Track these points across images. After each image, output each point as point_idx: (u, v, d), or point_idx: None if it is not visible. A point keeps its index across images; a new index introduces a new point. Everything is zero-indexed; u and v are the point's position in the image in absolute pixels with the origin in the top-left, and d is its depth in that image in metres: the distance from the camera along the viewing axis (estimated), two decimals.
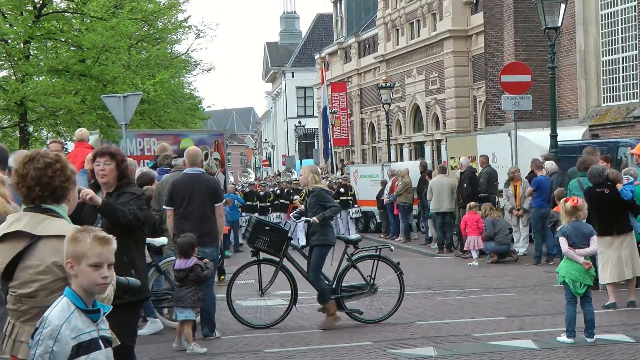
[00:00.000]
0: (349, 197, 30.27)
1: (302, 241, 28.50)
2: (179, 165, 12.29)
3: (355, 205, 30.47)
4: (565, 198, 10.52)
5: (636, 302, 12.40)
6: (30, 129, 24.40)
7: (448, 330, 11.08)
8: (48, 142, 14.66)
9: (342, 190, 30.07)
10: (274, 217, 28.86)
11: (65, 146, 21.73)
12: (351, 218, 30.39)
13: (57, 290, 4.29)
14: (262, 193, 31.15)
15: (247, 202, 29.81)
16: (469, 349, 9.83)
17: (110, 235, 4.05)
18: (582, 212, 10.29)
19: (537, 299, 13.82)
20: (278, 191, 30.65)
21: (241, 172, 37.91)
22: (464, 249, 20.42)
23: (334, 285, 12.12)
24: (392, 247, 12.94)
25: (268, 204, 30.14)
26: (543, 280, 15.97)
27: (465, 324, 11.58)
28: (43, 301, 4.29)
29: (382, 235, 28.98)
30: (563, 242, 10.06)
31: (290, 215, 14.49)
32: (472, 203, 20.33)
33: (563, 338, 9.94)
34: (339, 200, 29.67)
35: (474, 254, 19.74)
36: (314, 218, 11.75)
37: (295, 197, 28.36)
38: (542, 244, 19.03)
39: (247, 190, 31.55)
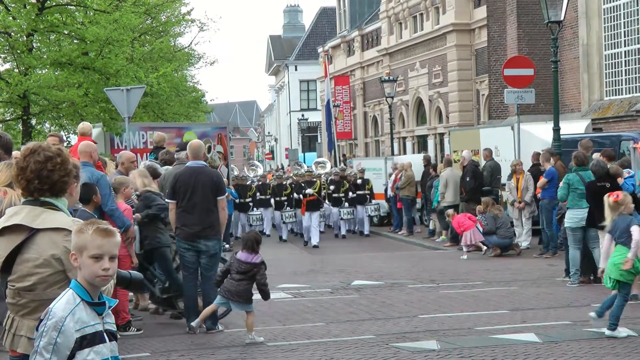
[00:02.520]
0: (366, 192, 28.65)
1: (285, 235, 27.94)
2: (181, 158, 12.30)
3: (373, 201, 28.81)
4: (608, 193, 10.41)
5: (637, 295, 12.39)
6: (33, 121, 24.41)
7: (451, 324, 11.09)
8: (48, 136, 14.68)
9: (359, 183, 28.59)
10: (286, 214, 27.42)
11: (68, 139, 21.80)
12: (368, 215, 28.82)
13: (55, 284, 4.28)
14: (275, 184, 29.02)
15: (261, 197, 28.32)
16: (471, 342, 9.84)
17: (114, 228, 4.04)
18: (626, 207, 10.15)
19: (540, 292, 13.82)
20: (294, 185, 28.08)
21: (248, 165, 36.12)
22: (461, 243, 20.32)
23: (166, 284, 11.94)
24: (229, 246, 12.67)
25: (284, 198, 27.82)
26: (546, 274, 15.97)
27: (468, 317, 11.59)
28: (42, 294, 4.29)
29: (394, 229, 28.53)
30: (607, 239, 10.04)
31: None
32: (450, 211, 21.12)
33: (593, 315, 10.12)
34: (355, 195, 28.41)
35: (465, 248, 19.77)
36: (137, 215, 11.47)
37: (309, 190, 26.63)
38: (555, 235, 18.74)
39: (260, 183, 30.00)
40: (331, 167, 33.93)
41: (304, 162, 43.26)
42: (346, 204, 28.31)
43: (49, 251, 4.29)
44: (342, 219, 28.58)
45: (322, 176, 29.69)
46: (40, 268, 4.30)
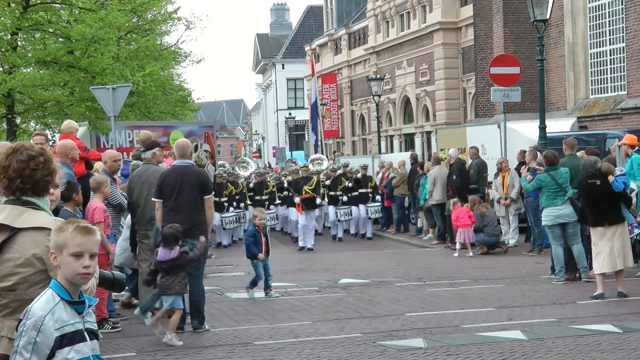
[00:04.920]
0: (369, 190, 26.28)
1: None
2: (147, 158, 12.22)
3: (378, 198, 26.52)
4: None
5: (624, 292, 12.44)
6: (18, 120, 24.35)
7: (437, 322, 11.09)
8: (33, 135, 14.63)
9: (360, 180, 26.32)
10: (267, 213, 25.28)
11: (54, 138, 21.75)
12: (369, 218, 26.47)
13: (37, 283, 4.26)
14: (256, 182, 27.08)
15: (255, 197, 26.21)
16: (458, 340, 9.84)
17: (94, 226, 4.03)
18: None
19: (526, 290, 13.85)
20: (291, 182, 26.31)
21: (240, 163, 34.24)
22: (455, 241, 20.25)
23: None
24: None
25: (265, 197, 26.27)
26: (532, 271, 16.01)
27: (455, 315, 11.60)
28: (23, 294, 4.26)
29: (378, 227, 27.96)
30: None
31: None
32: (455, 199, 20.39)
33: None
34: (357, 193, 25.93)
35: (458, 245, 19.72)
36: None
37: (329, 183, 24.78)
38: (543, 232, 18.70)
39: (257, 181, 27.33)
40: (328, 164, 32.61)
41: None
42: (344, 202, 26.09)
43: (30, 250, 4.27)
44: (339, 220, 26.39)
45: (321, 174, 27.18)
46: (21, 267, 4.28)
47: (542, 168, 14.95)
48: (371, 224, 26.72)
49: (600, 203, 12.69)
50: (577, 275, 14.41)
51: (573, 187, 14.41)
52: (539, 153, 18.75)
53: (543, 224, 14.72)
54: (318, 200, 25.24)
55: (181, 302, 10.37)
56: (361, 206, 26.30)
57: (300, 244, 24.51)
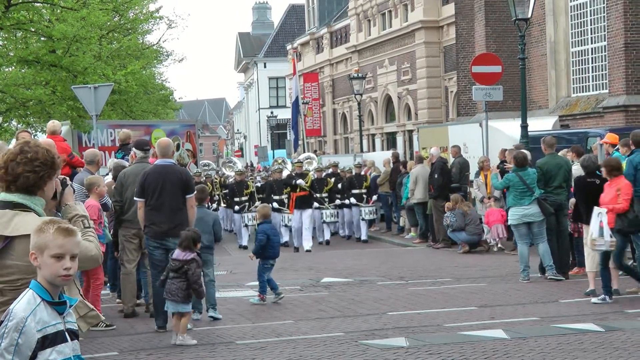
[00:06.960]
0: (362, 190, 24.95)
1: (245, 241, 24.67)
2: (146, 157, 12.19)
3: (374, 198, 25.27)
4: None
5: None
6: (0, 119, 24.22)
7: (420, 321, 11.10)
8: (17, 132, 14.54)
9: (354, 181, 25.10)
10: (248, 215, 24.23)
11: (35, 137, 21.66)
12: (363, 219, 25.03)
13: None
14: (235, 182, 25.71)
15: (236, 198, 25.02)
16: (440, 339, 9.86)
17: (75, 227, 4.02)
18: None
19: (508, 288, 13.89)
20: (274, 182, 24.48)
21: (226, 163, 33.21)
22: (489, 236, 19.99)
23: None
24: None
25: (245, 197, 24.91)
26: (514, 270, 16.03)
27: (437, 314, 11.62)
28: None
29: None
30: None
31: None
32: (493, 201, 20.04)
33: None
34: (346, 195, 24.70)
35: (495, 242, 19.61)
36: None
37: (300, 181, 23.30)
38: None
39: (237, 180, 25.83)
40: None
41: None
42: (330, 205, 24.50)
43: (25, 258, 4.26)
44: (324, 222, 24.73)
45: (312, 173, 24.92)
46: (22, 270, 4.26)
47: (511, 166, 15.11)
48: (366, 225, 25.35)
49: (595, 202, 12.71)
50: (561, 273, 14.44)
51: (556, 185, 14.51)
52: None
53: (509, 222, 14.93)
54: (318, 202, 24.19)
55: (188, 306, 10.26)
56: (354, 208, 24.97)
57: (295, 244, 23.38)
